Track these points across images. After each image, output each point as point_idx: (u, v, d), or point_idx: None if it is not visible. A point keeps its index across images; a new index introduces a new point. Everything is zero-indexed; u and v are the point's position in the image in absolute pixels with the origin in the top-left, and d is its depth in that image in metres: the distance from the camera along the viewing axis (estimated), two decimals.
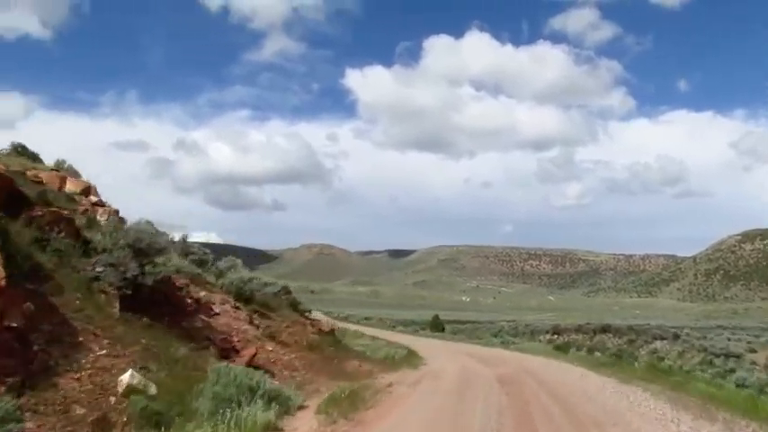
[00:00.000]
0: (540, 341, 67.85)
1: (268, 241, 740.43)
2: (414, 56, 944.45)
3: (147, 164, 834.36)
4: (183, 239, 18.79)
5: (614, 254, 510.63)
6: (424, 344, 39.97)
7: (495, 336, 68.27)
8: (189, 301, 13.07)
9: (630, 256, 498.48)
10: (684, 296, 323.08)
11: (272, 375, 12.72)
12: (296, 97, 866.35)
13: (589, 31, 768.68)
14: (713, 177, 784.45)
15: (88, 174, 15.42)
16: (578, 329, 71.44)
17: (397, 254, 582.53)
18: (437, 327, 74.39)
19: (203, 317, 13.08)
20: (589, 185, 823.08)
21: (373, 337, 48.98)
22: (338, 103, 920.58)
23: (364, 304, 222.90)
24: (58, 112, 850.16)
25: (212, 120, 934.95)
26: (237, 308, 15.25)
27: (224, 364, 10.12)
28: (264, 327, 15.15)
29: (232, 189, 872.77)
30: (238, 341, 13.22)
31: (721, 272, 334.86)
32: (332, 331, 19.78)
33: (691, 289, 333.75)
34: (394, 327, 76.39)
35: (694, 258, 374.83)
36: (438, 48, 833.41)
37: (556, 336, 69.57)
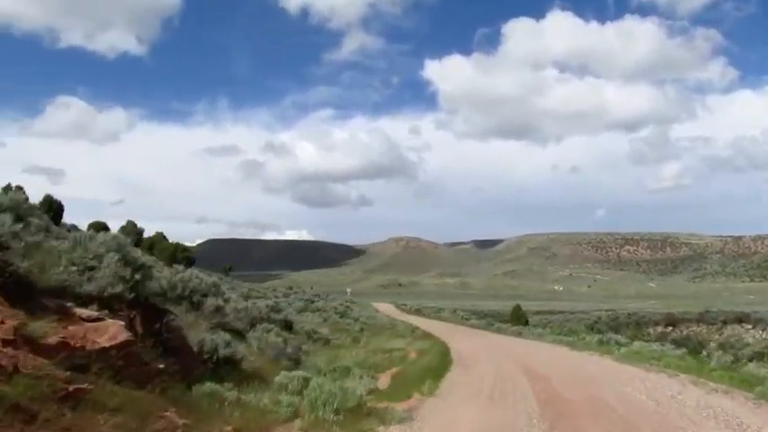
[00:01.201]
0: (649, 335, 55.11)
1: (356, 236, 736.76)
2: (493, 42, 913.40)
3: (238, 167, 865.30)
4: None
5: (721, 236, 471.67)
6: (481, 348, 27.42)
7: (592, 328, 55.80)
8: None
9: (740, 237, 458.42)
10: None
11: None
12: (377, 93, 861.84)
13: None
14: None
15: None
16: (700, 319, 56.56)
17: (485, 244, 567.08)
18: (518, 319, 61.22)
19: None
20: (688, 164, 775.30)
21: (424, 335, 37.15)
22: (419, 96, 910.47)
23: (452, 296, 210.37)
24: (157, 123, 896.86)
25: (297, 121, 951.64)
26: None
27: None
28: None
29: (319, 187, 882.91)
30: None
31: None
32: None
33: None
34: (467, 319, 64.66)
35: None
36: (518, 31, 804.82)
37: (670, 328, 55.52)
